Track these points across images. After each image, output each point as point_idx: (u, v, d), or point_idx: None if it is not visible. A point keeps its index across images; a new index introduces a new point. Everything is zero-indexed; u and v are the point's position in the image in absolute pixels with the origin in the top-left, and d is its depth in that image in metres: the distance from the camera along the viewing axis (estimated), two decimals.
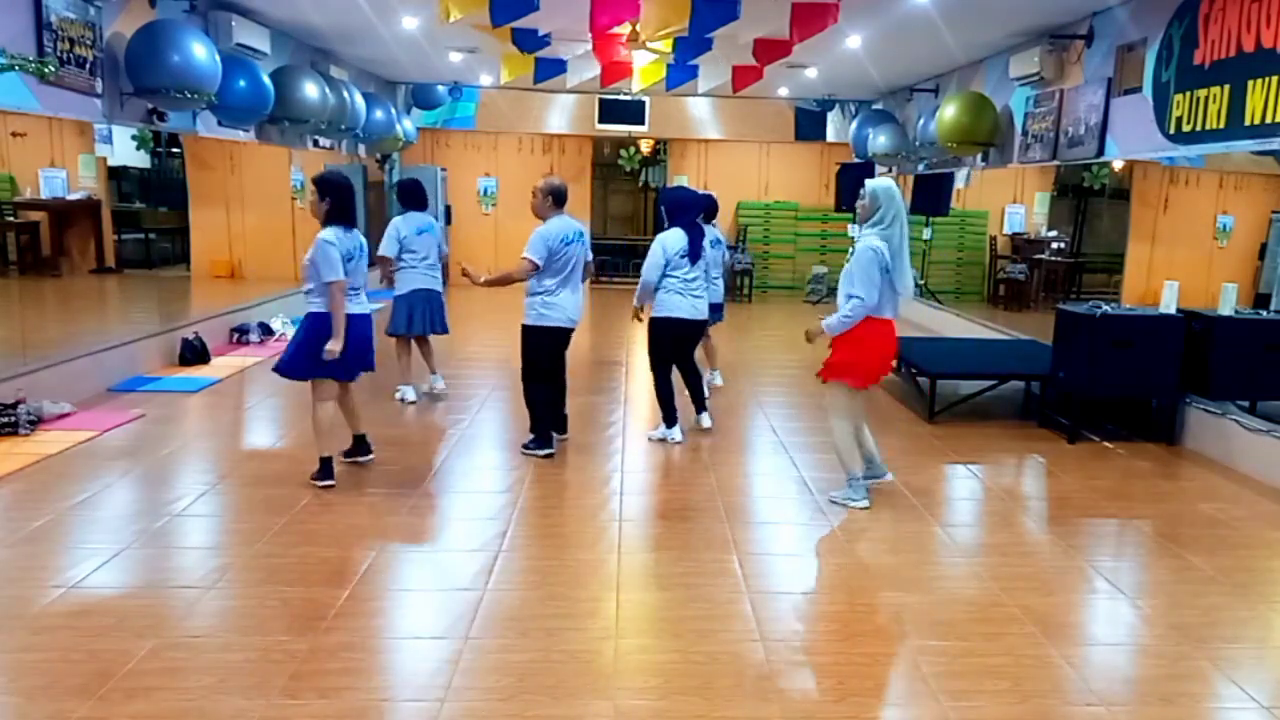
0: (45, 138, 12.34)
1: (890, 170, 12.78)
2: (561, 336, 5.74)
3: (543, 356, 5.72)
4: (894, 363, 5.04)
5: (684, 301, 6.06)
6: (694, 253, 6.02)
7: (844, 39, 8.72)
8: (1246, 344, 6.24)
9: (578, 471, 5.67)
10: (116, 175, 13.69)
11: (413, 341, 7.12)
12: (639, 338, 10.60)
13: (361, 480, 5.20)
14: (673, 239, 6.03)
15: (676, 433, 6.18)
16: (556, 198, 5.62)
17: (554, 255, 5.52)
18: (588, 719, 2.93)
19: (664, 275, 6.01)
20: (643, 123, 14.27)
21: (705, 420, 6.50)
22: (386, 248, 6.81)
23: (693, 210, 6.25)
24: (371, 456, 5.45)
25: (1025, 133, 8.78)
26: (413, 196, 6.99)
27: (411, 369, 7.13)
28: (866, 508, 4.93)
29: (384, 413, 6.66)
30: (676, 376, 6.30)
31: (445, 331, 7.20)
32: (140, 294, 12.32)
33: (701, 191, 7.40)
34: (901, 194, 4.81)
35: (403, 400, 7.02)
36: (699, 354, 6.86)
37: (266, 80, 8.13)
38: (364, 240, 5.17)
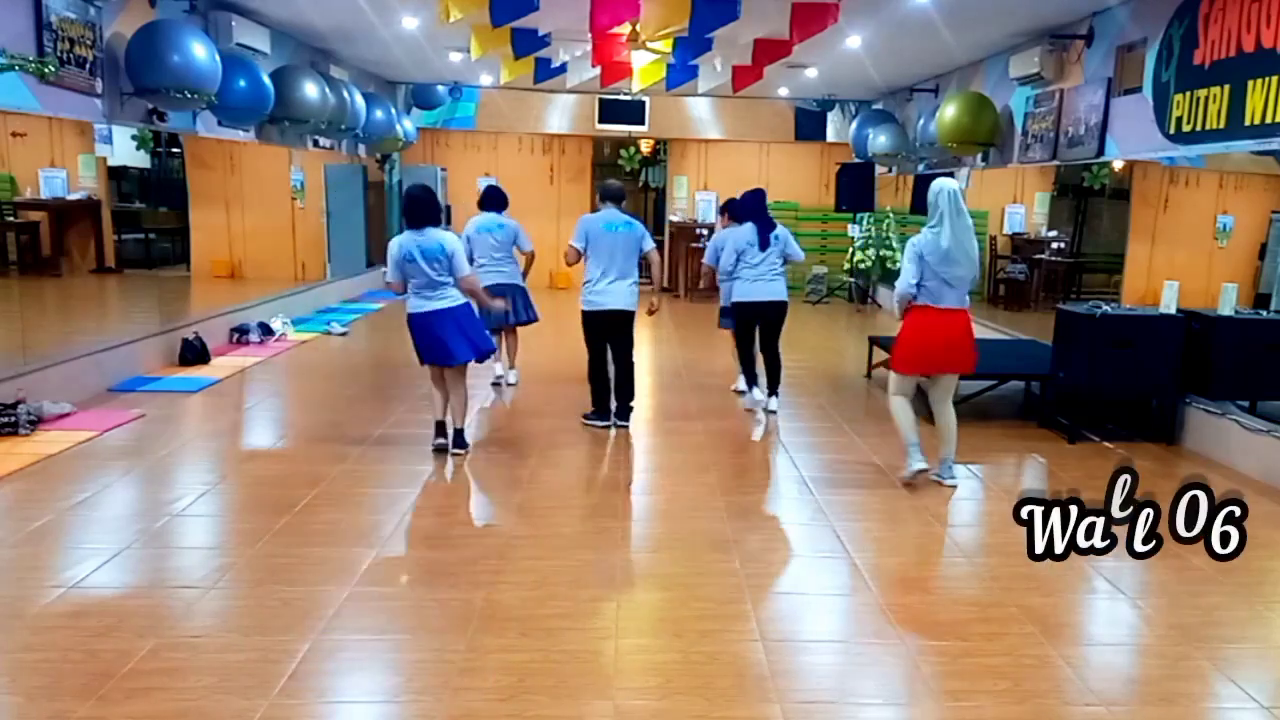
0: (45, 138, 12.33)
1: (890, 170, 12.78)
2: (595, 320, 6.35)
3: (587, 337, 6.43)
4: (959, 350, 5.23)
5: (754, 286, 6.85)
6: (762, 241, 6.81)
7: (844, 39, 8.72)
8: (1246, 344, 6.23)
9: (578, 471, 5.68)
10: (116, 175, 13.68)
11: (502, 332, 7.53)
12: (638, 338, 10.66)
13: (361, 480, 5.20)
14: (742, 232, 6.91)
15: (757, 393, 7.05)
16: (603, 193, 6.51)
17: (591, 240, 6.24)
18: (588, 719, 2.93)
19: (738, 264, 6.84)
20: (643, 123, 14.26)
21: (772, 403, 7.05)
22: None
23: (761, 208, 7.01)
24: (448, 445, 5.69)
25: (1025, 133, 8.78)
26: (490, 200, 7.45)
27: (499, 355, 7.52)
28: (920, 470, 5.24)
29: (383, 410, 6.66)
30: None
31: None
32: (140, 294, 12.31)
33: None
34: (956, 194, 5.08)
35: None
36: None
37: (266, 80, 8.13)
38: (443, 242, 5.49)
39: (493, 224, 7.24)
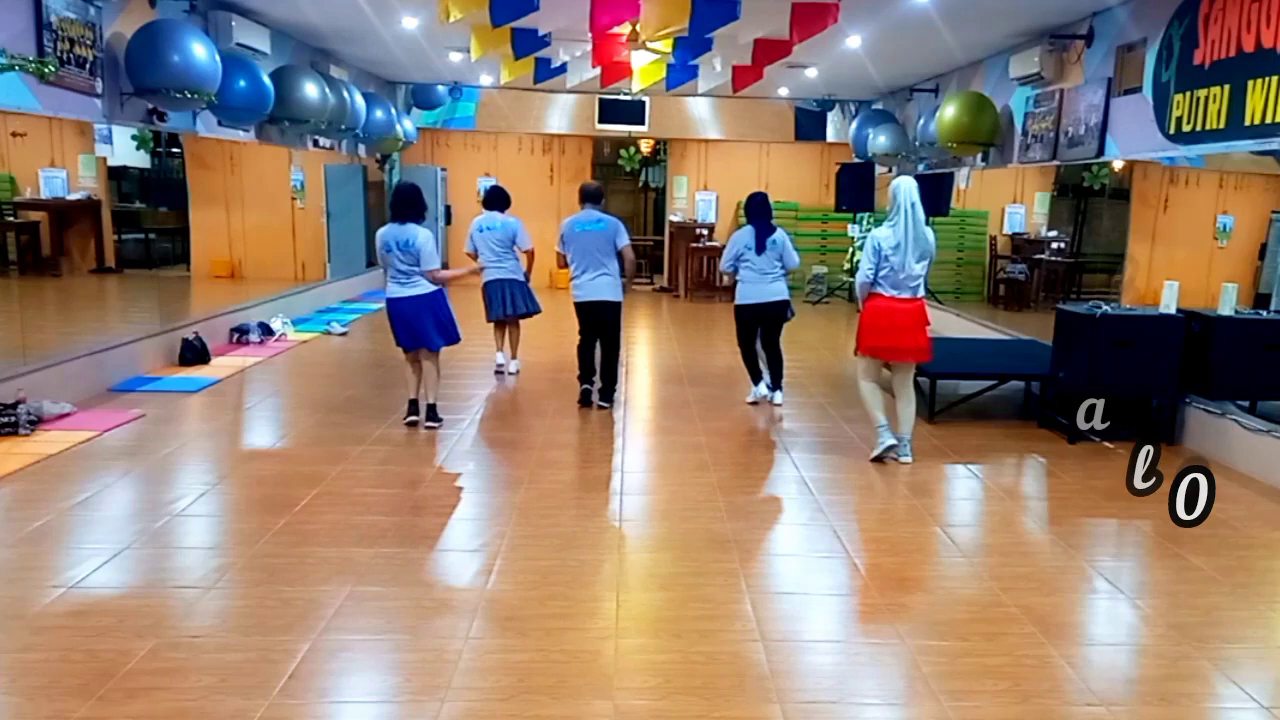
0: (45, 138, 12.33)
1: (890, 170, 12.77)
2: (579, 310, 6.96)
3: (579, 323, 7.02)
4: (909, 336, 5.68)
5: (752, 289, 7.05)
6: (758, 245, 6.97)
7: (844, 39, 8.72)
8: (1246, 344, 6.23)
9: (578, 471, 5.68)
10: (116, 175, 13.67)
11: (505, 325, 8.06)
12: (638, 338, 10.59)
13: (361, 480, 5.20)
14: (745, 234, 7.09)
15: (761, 389, 7.33)
16: (581, 194, 7.04)
17: (566, 240, 6.83)
18: (588, 719, 2.93)
19: (738, 266, 7.04)
20: (643, 123, 14.26)
21: (776, 397, 7.32)
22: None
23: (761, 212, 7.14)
24: (420, 420, 6.27)
25: (1025, 133, 8.78)
26: (490, 199, 7.89)
27: (502, 345, 8.14)
28: (890, 446, 5.73)
29: (383, 410, 6.66)
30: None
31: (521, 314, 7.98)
32: (140, 294, 12.30)
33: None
34: (912, 190, 5.61)
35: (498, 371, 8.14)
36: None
37: (266, 80, 8.13)
38: (414, 236, 5.98)
39: (492, 223, 7.71)
